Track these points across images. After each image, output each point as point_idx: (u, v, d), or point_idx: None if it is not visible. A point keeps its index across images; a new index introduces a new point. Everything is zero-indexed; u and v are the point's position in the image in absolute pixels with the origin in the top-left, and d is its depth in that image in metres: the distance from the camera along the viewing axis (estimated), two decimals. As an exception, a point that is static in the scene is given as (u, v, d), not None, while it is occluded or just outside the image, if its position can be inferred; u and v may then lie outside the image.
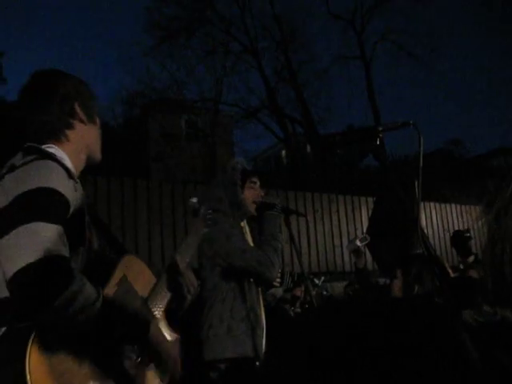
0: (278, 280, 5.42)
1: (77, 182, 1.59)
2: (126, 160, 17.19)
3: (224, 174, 3.12)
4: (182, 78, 21.88)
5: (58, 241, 1.36)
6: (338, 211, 9.90)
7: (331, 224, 9.75)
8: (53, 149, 1.67)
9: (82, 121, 1.75)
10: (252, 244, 3.07)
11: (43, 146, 1.66)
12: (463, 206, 11.68)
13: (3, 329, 1.32)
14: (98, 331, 1.40)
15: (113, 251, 1.79)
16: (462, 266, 5.47)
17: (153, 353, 1.62)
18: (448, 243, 10.71)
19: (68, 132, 1.72)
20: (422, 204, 7.26)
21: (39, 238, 1.31)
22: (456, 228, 10.11)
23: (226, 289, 2.91)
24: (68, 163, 1.65)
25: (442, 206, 11.36)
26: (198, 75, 26.05)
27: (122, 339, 1.50)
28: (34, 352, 1.26)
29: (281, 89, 22.73)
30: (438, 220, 11.08)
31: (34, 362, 1.25)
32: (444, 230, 10.99)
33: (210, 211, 2.21)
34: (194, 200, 2.19)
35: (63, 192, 1.47)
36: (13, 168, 1.51)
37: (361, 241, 4.08)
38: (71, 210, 1.50)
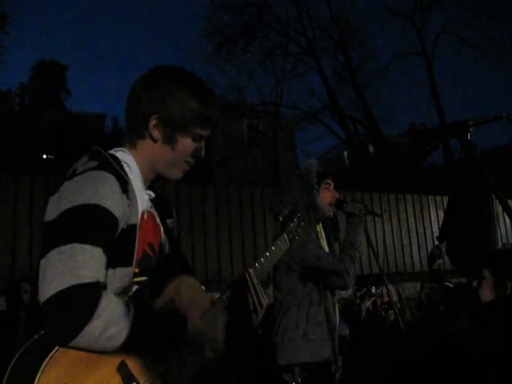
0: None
1: (128, 198, 1.47)
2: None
3: (299, 177, 3.07)
4: (241, 82, 22.06)
5: (92, 265, 1.31)
6: (406, 211, 9.73)
7: (399, 224, 9.59)
8: (121, 152, 1.60)
9: (151, 136, 1.60)
10: (327, 248, 3.03)
11: (115, 148, 1.61)
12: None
13: (42, 332, 1.30)
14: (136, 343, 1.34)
15: (177, 268, 1.71)
16: None
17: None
18: (529, 240, 10.31)
19: (138, 140, 1.62)
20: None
21: (73, 263, 1.28)
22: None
23: (301, 293, 2.88)
24: (133, 170, 1.58)
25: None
26: (257, 79, 26.26)
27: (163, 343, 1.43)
28: (47, 369, 1.24)
29: (341, 89, 22.53)
30: (518, 217, 10.61)
31: (45, 379, 1.23)
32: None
33: (301, 226, 2.02)
34: (285, 213, 2.05)
35: (111, 209, 1.40)
36: (73, 174, 1.44)
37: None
38: (120, 226, 1.44)
